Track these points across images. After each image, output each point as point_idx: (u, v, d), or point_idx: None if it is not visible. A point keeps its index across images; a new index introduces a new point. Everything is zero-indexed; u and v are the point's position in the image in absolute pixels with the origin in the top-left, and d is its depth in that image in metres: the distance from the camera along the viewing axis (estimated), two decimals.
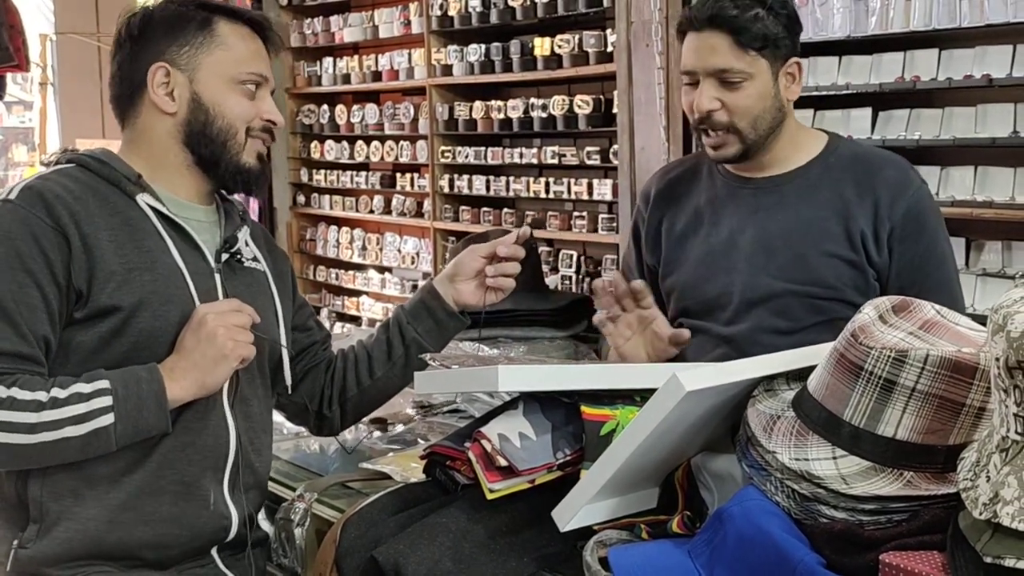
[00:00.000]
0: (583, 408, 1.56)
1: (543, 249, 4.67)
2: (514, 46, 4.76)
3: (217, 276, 1.88)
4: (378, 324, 2.17)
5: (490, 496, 1.52)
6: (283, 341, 1.98)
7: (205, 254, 1.87)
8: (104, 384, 1.70)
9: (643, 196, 2.45)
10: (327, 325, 6.11)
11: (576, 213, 4.66)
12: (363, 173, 5.86)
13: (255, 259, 1.97)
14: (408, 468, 2.05)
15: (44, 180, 1.79)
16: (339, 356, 2.13)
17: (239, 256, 1.93)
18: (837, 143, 2.25)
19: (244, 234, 1.96)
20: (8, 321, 1.69)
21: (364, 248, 5.95)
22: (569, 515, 1.48)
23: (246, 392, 1.89)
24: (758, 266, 2.17)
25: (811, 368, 1.48)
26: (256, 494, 1.94)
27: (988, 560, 1.14)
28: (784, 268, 2.16)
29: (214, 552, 1.87)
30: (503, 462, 1.52)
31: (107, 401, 1.69)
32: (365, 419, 2.45)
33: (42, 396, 1.66)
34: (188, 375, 1.76)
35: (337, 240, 6.14)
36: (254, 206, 6.32)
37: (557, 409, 1.60)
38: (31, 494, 1.75)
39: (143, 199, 1.83)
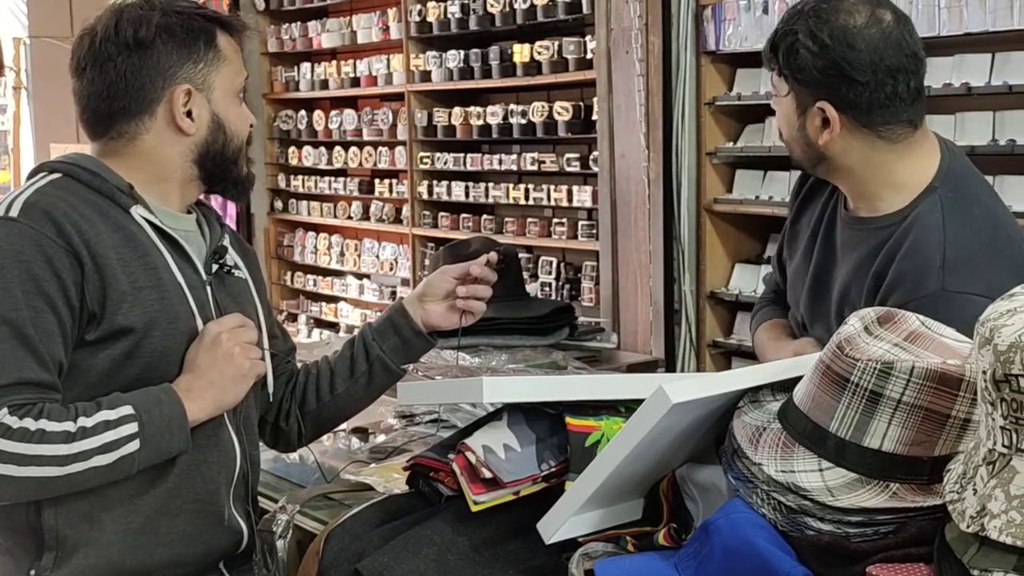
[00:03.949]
0: (568, 419, 1.55)
1: (522, 256, 4.66)
2: (493, 52, 4.76)
3: (208, 288, 1.85)
4: (345, 340, 2.15)
5: (475, 508, 1.51)
6: (266, 351, 1.95)
7: (197, 266, 1.84)
8: (128, 410, 1.67)
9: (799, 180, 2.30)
10: (304, 332, 6.11)
11: (556, 220, 4.66)
12: (341, 179, 5.85)
13: (236, 266, 1.95)
14: (391, 479, 2.04)
15: (43, 195, 1.73)
16: (301, 371, 2.11)
17: (227, 266, 1.91)
18: (916, 208, 1.97)
19: (227, 242, 1.94)
20: (30, 349, 1.64)
21: (342, 254, 5.93)
22: (555, 527, 1.47)
23: (243, 405, 1.88)
24: (805, 306, 2.12)
25: (797, 379, 1.48)
26: (254, 505, 1.95)
27: (975, 574, 1.14)
28: (814, 318, 2.09)
29: (221, 566, 1.88)
30: (488, 474, 1.51)
31: (133, 428, 1.67)
32: (346, 428, 2.43)
33: (70, 426, 1.63)
34: (205, 395, 1.75)
35: (315, 246, 6.12)
36: (232, 211, 6.29)
37: (542, 420, 1.59)
38: (45, 522, 1.71)
39: (137, 212, 1.78)
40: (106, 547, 1.74)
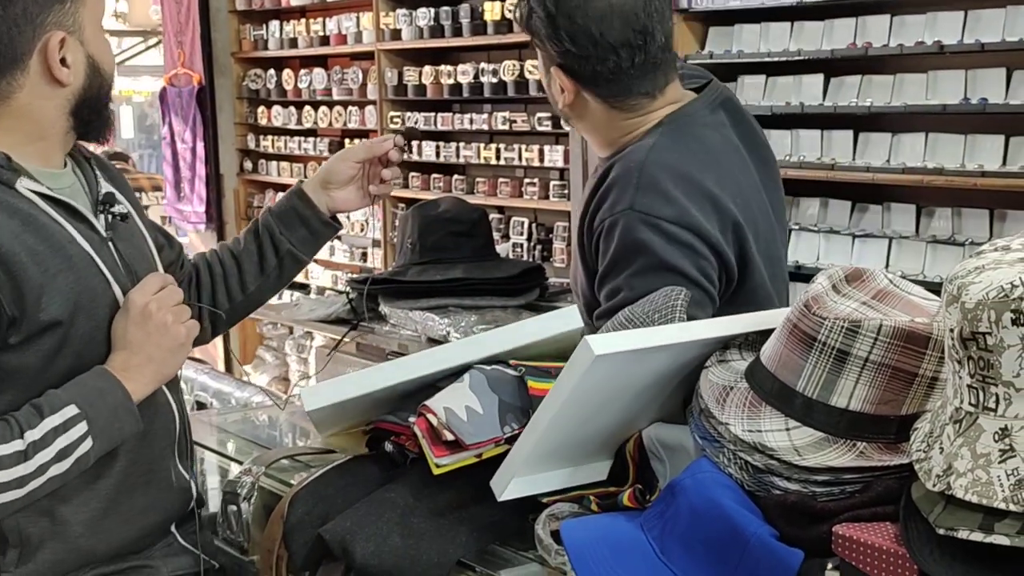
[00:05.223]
0: (529, 383, 1.55)
1: (493, 217, 4.63)
2: (464, 10, 4.71)
3: (111, 245, 1.73)
4: (246, 230, 2.07)
5: (437, 471, 1.49)
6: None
7: (94, 224, 1.71)
8: (73, 410, 1.58)
9: None
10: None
11: (527, 180, 4.63)
12: (311, 139, 5.79)
13: (118, 201, 1.80)
14: (358, 441, 2.02)
15: None
16: (203, 268, 2.03)
17: (118, 214, 1.76)
18: (622, 154, 1.96)
19: (104, 183, 1.79)
20: None
21: None
22: (503, 484, 1.46)
23: None
24: (573, 254, 2.12)
25: (761, 337, 1.46)
26: (192, 454, 1.90)
27: (941, 532, 1.13)
28: (572, 270, 2.10)
29: (173, 528, 1.84)
30: (450, 436, 1.49)
31: (83, 428, 1.58)
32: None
33: (19, 444, 1.54)
34: (144, 371, 1.66)
35: None
36: (201, 171, 6.22)
37: (504, 383, 1.58)
38: (5, 524, 1.64)
39: (23, 185, 1.63)
40: (73, 539, 1.69)
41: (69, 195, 1.70)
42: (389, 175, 2.06)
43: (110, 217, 1.74)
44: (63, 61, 1.65)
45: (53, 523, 1.67)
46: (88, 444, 1.60)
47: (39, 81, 1.65)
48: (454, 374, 1.61)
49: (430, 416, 1.51)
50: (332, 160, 2.08)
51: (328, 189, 2.04)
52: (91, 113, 1.72)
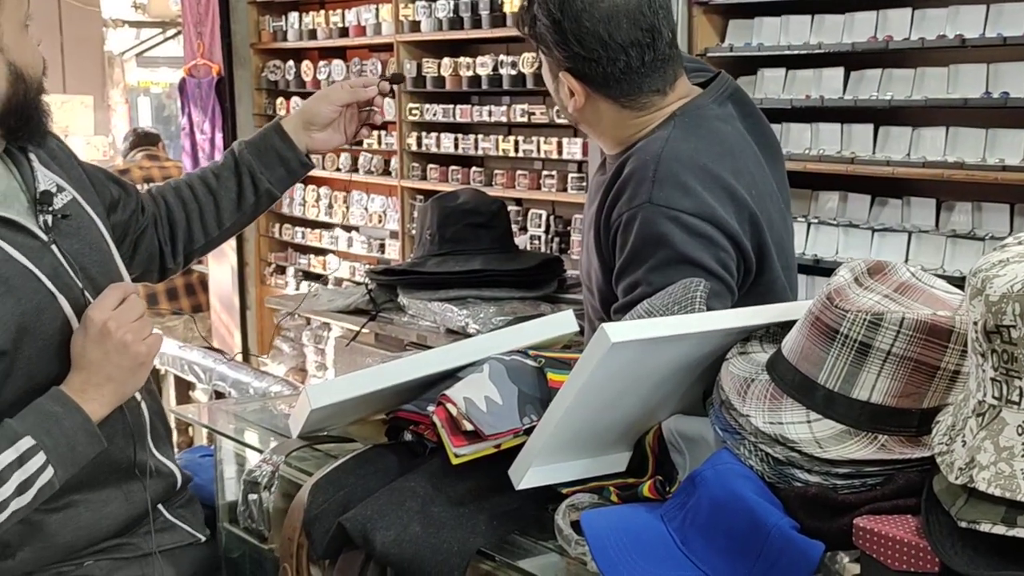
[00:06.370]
0: (549, 375, 1.55)
1: (511, 209, 4.63)
2: (483, 2, 4.70)
3: (54, 248, 1.67)
4: (220, 165, 2.08)
5: (455, 461, 1.50)
6: (118, 262, 1.80)
7: (33, 231, 1.65)
8: (29, 442, 1.54)
9: None
10: (293, 284, 6.06)
11: (545, 172, 4.63)
12: None
13: (60, 189, 1.73)
14: (378, 429, 2.02)
15: None
16: (176, 206, 2.03)
17: (58, 212, 1.69)
18: (637, 147, 1.97)
19: (43, 174, 1.72)
20: None
21: (330, 206, 5.89)
22: (520, 473, 1.47)
23: None
24: (582, 247, 2.13)
25: (782, 329, 1.46)
26: (169, 436, 1.90)
27: (963, 525, 1.13)
28: (584, 263, 2.11)
29: (161, 507, 1.84)
30: (469, 426, 1.50)
31: (41, 459, 1.54)
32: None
33: None
34: (103, 390, 1.60)
35: (303, 198, 6.08)
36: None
37: (524, 374, 1.58)
38: None
39: None
40: (50, 537, 1.68)
41: (1, 203, 1.64)
42: (379, 120, 2.13)
43: (50, 218, 1.68)
44: None
45: (29, 526, 1.66)
46: (49, 473, 1.55)
47: None
48: (472, 363, 1.62)
49: (449, 406, 1.51)
50: (314, 101, 2.11)
51: (309, 130, 2.08)
52: (18, 120, 1.65)
